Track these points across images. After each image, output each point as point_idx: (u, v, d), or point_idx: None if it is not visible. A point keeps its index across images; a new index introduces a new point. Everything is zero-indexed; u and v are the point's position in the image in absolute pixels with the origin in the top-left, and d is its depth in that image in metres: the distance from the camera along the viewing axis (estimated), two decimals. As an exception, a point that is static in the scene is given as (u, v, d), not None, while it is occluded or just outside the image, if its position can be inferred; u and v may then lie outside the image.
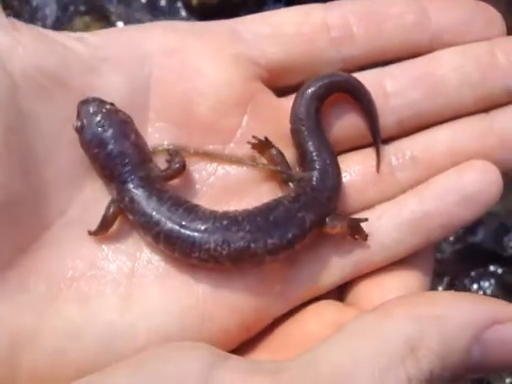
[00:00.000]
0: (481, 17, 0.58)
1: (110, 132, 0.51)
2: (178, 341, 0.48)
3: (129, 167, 0.51)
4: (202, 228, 0.50)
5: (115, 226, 0.52)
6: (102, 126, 0.51)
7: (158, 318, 0.49)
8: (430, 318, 0.41)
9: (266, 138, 0.55)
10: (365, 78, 0.57)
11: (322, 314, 0.53)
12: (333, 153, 0.56)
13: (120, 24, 1.01)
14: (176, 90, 0.54)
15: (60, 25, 1.01)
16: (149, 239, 0.51)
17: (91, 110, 0.51)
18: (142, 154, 0.52)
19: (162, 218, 0.50)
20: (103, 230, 0.51)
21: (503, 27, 0.58)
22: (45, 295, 0.49)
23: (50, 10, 1.00)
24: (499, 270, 0.87)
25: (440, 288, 0.88)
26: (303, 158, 0.56)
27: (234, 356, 0.44)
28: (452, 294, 0.44)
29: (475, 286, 0.87)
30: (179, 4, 1.02)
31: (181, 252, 0.50)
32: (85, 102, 0.51)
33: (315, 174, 0.55)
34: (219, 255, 0.50)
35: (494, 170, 0.54)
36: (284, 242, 0.51)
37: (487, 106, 0.57)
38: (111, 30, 0.58)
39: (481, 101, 0.57)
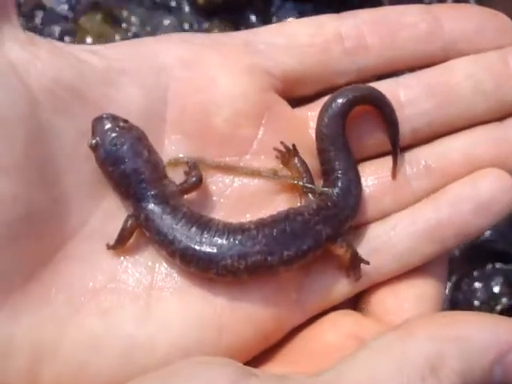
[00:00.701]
0: (493, 25, 0.58)
1: (123, 151, 0.51)
2: (197, 352, 0.49)
3: (143, 185, 0.52)
4: (218, 244, 0.50)
5: (134, 239, 0.52)
6: (115, 145, 0.51)
7: (177, 330, 0.50)
8: (451, 339, 0.41)
9: (294, 146, 0.55)
10: (379, 87, 0.57)
11: (339, 325, 0.53)
12: (358, 173, 0.56)
13: (125, 23, 1.01)
14: (192, 101, 0.54)
15: (66, 23, 1.00)
16: (165, 255, 0.52)
17: (105, 128, 0.51)
18: (156, 171, 0.52)
19: (177, 237, 0.51)
20: (121, 244, 0.52)
21: None
22: (66, 308, 0.49)
23: (60, 8, 0.99)
24: (506, 268, 0.88)
25: (448, 286, 0.88)
26: (328, 173, 0.56)
27: (258, 372, 0.44)
28: (474, 315, 0.44)
29: (483, 284, 0.88)
30: (185, 2, 1.02)
31: (197, 268, 0.51)
32: (99, 120, 0.51)
33: (338, 191, 0.55)
34: (237, 270, 0.50)
35: (508, 178, 0.55)
36: (299, 254, 0.51)
37: (501, 115, 0.57)
38: (126, 42, 0.58)
39: (494, 109, 0.57)
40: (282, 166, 0.56)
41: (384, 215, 0.56)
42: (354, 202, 0.55)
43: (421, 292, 0.55)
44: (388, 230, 0.55)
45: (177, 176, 0.54)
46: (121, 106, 0.52)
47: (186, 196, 0.54)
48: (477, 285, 0.87)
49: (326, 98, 0.57)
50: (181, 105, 0.54)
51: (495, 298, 0.87)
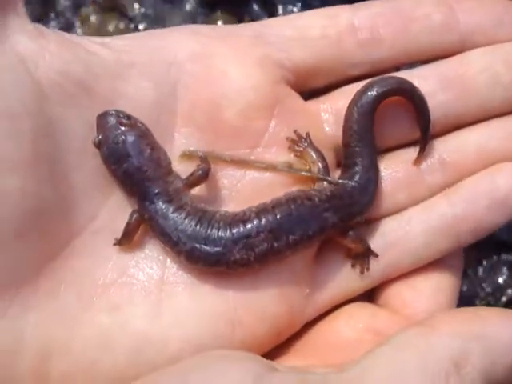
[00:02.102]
0: (510, 17, 0.57)
1: (125, 149, 0.51)
2: (210, 348, 0.48)
3: (146, 184, 0.51)
4: (224, 241, 0.50)
5: (144, 233, 0.52)
6: (117, 143, 0.51)
7: (190, 325, 0.49)
8: (475, 335, 0.41)
9: (308, 134, 0.55)
10: None
11: (355, 318, 0.53)
12: (378, 173, 0.56)
13: (126, 14, 0.99)
14: (203, 95, 0.54)
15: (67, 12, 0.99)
16: (170, 251, 0.51)
17: (108, 125, 0.51)
18: (160, 169, 0.52)
19: (182, 238, 0.50)
20: (127, 240, 0.52)
21: None
22: (75, 304, 0.49)
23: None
24: (512, 259, 0.88)
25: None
26: (349, 167, 0.56)
27: (280, 366, 0.44)
28: (497, 311, 0.44)
29: (488, 275, 0.88)
30: (188, -8, 1.01)
31: (205, 266, 0.51)
32: (102, 116, 0.51)
33: (356, 185, 0.55)
34: (247, 262, 0.50)
35: None
36: (305, 238, 0.51)
37: None
38: (136, 34, 0.57)
39: (511, 102, 0.56)
40: (295, 157, 0.55)
41: (398, 209, 0.56)
42: (368, 200, 0.55)
43: (437, 285, 0.55)
44: (403, 224, 0.55)
45: (191, 168, 0.53)
46: (130, 99, 0.52)
47: (197, 190, 0.53)
48: (482, 275, 0.87)
49: (338, 91, 0.57)
50: (191, 98, 0.54)
51: (500, 289, 0.87)
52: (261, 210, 0.51)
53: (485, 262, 0.90)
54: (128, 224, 0.51)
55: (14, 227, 0.46)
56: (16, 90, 0.47)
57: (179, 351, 0.48)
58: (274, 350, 0.52)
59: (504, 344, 0.41)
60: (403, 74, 0.57)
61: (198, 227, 0.51)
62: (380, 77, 0.56)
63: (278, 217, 0.51)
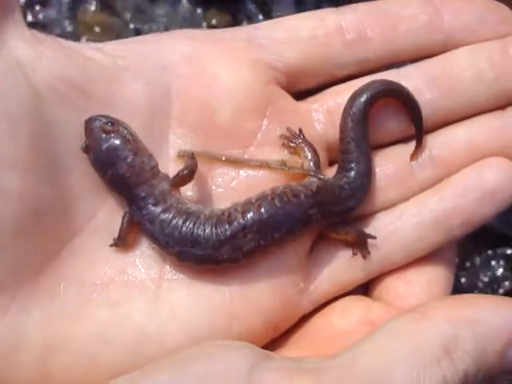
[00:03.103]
0: (493, 15, 0.58)
1: (108, 157, 0.52)
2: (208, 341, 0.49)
3: (131, 190, 0.52)
4: (212, 243, 0.51)
5: (141, 232, 0.53)
6: (101, 151, 0.52)
7: (187, 319, 0.51)
8: (466, 321, 0.42)
9: (300, 130, 0.56)
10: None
11: (350, 310, 0.54)
12: (371, 178, 0.57)
13: (120, 13, 1.00)
14: (196, 97, 0.55)
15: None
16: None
17: (93, 131, 0.51)
18: (143, 173, 0.52)
19: (170, 242, 0.51)
20: (122, 241, 0.53)
21: None
22: (75, 301, 0.50)
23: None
24: (509, 252, 0.88)
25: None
26: (344, 169, 0.57)
27: (275, 355, 0.45)
28: (488, 298, 0.45)
29: (485, 268, 0.88)
30: (182, -9, 1.01)
31: (195, 265, 0.52)
32: (88, 122, 0.51)
33: (347, 185, 0.56)
34: (234, 259, 0.52)
35: (511, 166, 0.56)
36: (290, 235, 0.53)
37: (503, 103, 0.58)
38: (130, 39, 0.58)
39: (496, 98, 0.57)
40: (288, 155, 0.56)
41: (390, 205, 0.57)
42: (358, 199, 0.56)
43: (430, 277, 0.56)
44: (395, 219, 0.56)
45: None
46: (125, 102, 0.53)
47: (192, 189, 0.55)
48: (479, 268, 0.88)
49: (328, 91, 0.58)
50: (185, 100, 0.55)
51: (498, 281, 0.88)
52: (246, 210, 0.52)
53: (482, 255, 0.91)
54: (121, 226, 0.52)
55: (14, 226, 0.47)
56: (14, 93, 0.48)
57: (177, 345, 0.49)
58: (271, 343, 0.53)
59: (495, 329, 0.42)
60: (391, 74, 0.58)
61: (184, 230, 0.51)
62: (368, 82, 0.57)
63: (264, 216, 0.52)
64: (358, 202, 0.56)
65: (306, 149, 0.56)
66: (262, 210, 0.52)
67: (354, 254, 0.56)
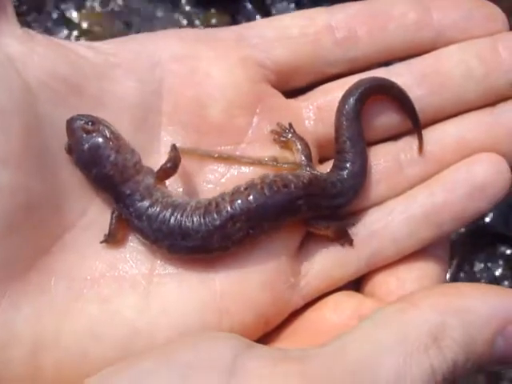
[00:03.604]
0: (482, 13, 0.58)
1: (90, 157, 0.52)
2: None
3: (115, 188, 0.53)
4: (201, 234, 0.51)
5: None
6: (83, 151, 0.52)
7: (177, 315, 0.51)
8: (454, 310, 0.42)
9: (290, 124, 0.57)
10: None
11: (342, 306, 0.54)
12: (364, 179, 0.57)
13: (119, 13, 1.00)
14: (187, 94, 0.55)
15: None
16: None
17: (75, 132, 0.51)
18: (127, 170, 0.53)
19: (159, 237, 0.52)
20: (112, 238, 0.53)
21: (505, 23, 0.59)
22: (65, 296, 0.50)
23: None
24: (508, 252, 0.88)
25: (449, 270, 0.89)
26: (338, 167, 0.57)
27: (261, 345, 0.45)
28: (477, 286, 0.45)
29: (484, 268, 0.88)
30: (181, -9, 1.02)
31: (186, 256, 0.52)
32: (69, 122, 0.52)
33: (339, 183, 0.56)
34: (224, 248, 0.52)
35: (501, 162, 0.56)
36: (278, 224, 0.53)
37: (492, 100, 0.58)
38: (121, 38, 0.59)
39: (486, 95, 0.57)
40: (280, 151, 0.57)
41: (381, 201, 0.57)
42: (345, 200, 0.56)
43: (422, 273, 0.56)
44: (385, 215, 0.56)
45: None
46: (117, 99, 0.53)
47: (183, 185, 0.55)
48: (478, 268, 0.87)
49: (318, 89, 0.59)
50: (176, 97, 0.55)
51: (497, 281, 0.88)
52: (235, 198, 0.52)
53: (481, 254, 0.91)
54: (110, 223, 0.53)
55: (4, 222, 0.47)
56: (5, 88, 0.48)
57: (168, 340, 0.49)
58: (263, 338, 0.54)
59: (483, 318, 0.42)
60: (381, 72, 0.59)
61: (172, 223, 0.52)
62: (357, 80, 0.57)
63: (253, 205, 0.52)
64: (347, 201, 0.56)
65: (297, 142, 0.56)
66: (251, 198, 0.52)
67: (341, 244, 0.56)
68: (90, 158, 0.52)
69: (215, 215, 0.52)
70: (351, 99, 0.56)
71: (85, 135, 0.51)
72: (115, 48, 0.55)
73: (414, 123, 0.57)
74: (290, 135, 0.56)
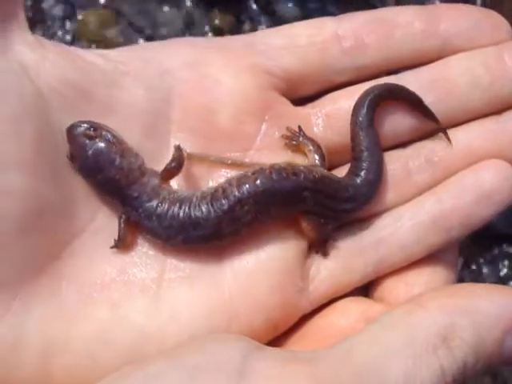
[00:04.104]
0: (488, 23, 0.59)
1: (95, 163, 0.52)
2: None
3: (122, 191, 0.53)
4: (211, 223, 0.52)
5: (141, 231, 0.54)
6: (87, 157, 0.52)
7: (186, 319, 0.51)
8: (462, 310, 0.42)
9: (300, 127, 0.57)
10: None
11: (350, 310, 0.55)
12: (377, 188, 0.57)
13: (124, 14, 1.00)
14: (195, 100, 0.56)
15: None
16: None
17: (76, 139, 0.51)
18: (132, 173, 0.53)
19: (171, 233, 0.52)
20: (122, 243, 0.53)
21: (509, 32, 0.59)
22: (75, 301, 0.50)
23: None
24: (512, 252, 0.88)
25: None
26: (353, 170, 0.57)
27: (269, 347, 0.45)
28: (484, 286, 0.45)
29: (489, 268, 0.88)
30: (186, -7, 1.01)
31: (200, 245, 0.53)
32: (70, 130, 0.52)
33: (350, 188, 0.56)
34: (236, 232, 0.53)
35: (508, 168, 0.56)
36: (284, 210, 0.54)
37: (498, 108, 0.58)
38: (131, 46, 0.59)
39: (492, 103, 0.58)
40: (291, 155, 0.57)
41: (388, 208, 0.58)
42: (352, 207, 0.56)
43: (431, 279, 0.56)
44: (393, 221, 0.57)
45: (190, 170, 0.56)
46: (127, 106, 0.54)
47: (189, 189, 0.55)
48: (483, 268, 0.88)
49: (326, 96, 0.59)
50: (185, 104, 0.56)
51: (502, 281, 0.88)
52: (243, 183, 0.53)
53: (487, 255, 0.91)
54: (119, 228, 0.53)
55: (17, 225, 0.48)
56: (18, 95, 0.49)
57: (176, 345, 0.50)
58: (272, 343, 0.54)
59: (492, 317, 0.42)
60: (389, 80, 0.59)
61: (181, 216, 0.52)
62: (366, 89, 0.58)
63: (260, 189, 0.52)
64: (354, 208, 0.56)
65: (309, 144, 0.57)
66: (258, 182, 0.52)
67: (315, 251, 0.56)
68: (94, 163, 0.52)
69: (223, 201, 0.52)
70: (362, 107, 0.57)
71: (87, 141, 0.52)
72: (125, 56, 0.56)
73: (433, 119, 0.58)
74: (300, 138, 0.57)
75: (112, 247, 0.53)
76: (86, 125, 0.51)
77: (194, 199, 0.53)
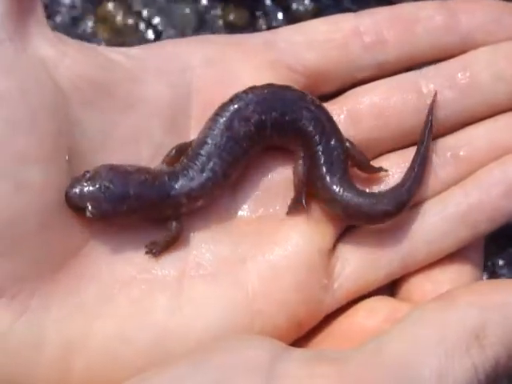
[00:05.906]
0: (509, 17, 0.58)
1: (114, 193, 0.51)
2: None
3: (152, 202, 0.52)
4: (226, 137, 0.53)
5: None
6: (105, 198, 0.51)
7: (209, 317, 0.51)
8: (494, 305, 0.41)
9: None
10: (401, 80, 0.58)
11: (376, 310, 0.54)
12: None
13: (137, 9, 1.00)
14: (216, 96, 0.55)
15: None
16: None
17: (87, 193, 0.50)
18: (151, 178, 0.53)
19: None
20: (166, 250, 0.53)
21: None
22: (96, 299, 0.50)
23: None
24: (529, 253, 0.87)
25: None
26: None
27: (295, 348, 0.45)
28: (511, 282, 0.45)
29: (507, 268, 0.87)
30: (200, -12, 1.01)
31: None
32: (71, 187, 0.50)
33: (382, 197, 0.55)
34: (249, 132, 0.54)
35: None
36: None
37: None
38: (150, 44, 0.60)
39: None
40: None
41: (414, 203, 0.57)
42: (371, 212, 0.55)
43: (458, 277, 0.56)
44: (418, 216, 0.56)
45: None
46: (147, 102, 0.54)
47: None
48: (501, 268, 0.87)
49: (348, 93, 0.59)
50: (205, 100, 0.56)
51: (520, 281, 0.87)
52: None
53: (504, 254, 0.90)
54: (168, 235, 0.53)
55: (37, 220, 0.48)
56: (38, 90, 0.49)
57: (199, 343, 0.49)
58: (296, 343, 0.53)
59: None
60: (411, 75, 0.59)
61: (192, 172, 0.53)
62: None
63: (265, 91, 0.54)
64: (378, 218, 0.55)
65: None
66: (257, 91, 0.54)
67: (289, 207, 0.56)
68: (114, 196, 0.51)
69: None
70: None
71: (92, 187, 0.50)
72: (145, 53, 0.56)
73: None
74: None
75: (147, 252, 0.53)
76: (76, 181, 0.50)
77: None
